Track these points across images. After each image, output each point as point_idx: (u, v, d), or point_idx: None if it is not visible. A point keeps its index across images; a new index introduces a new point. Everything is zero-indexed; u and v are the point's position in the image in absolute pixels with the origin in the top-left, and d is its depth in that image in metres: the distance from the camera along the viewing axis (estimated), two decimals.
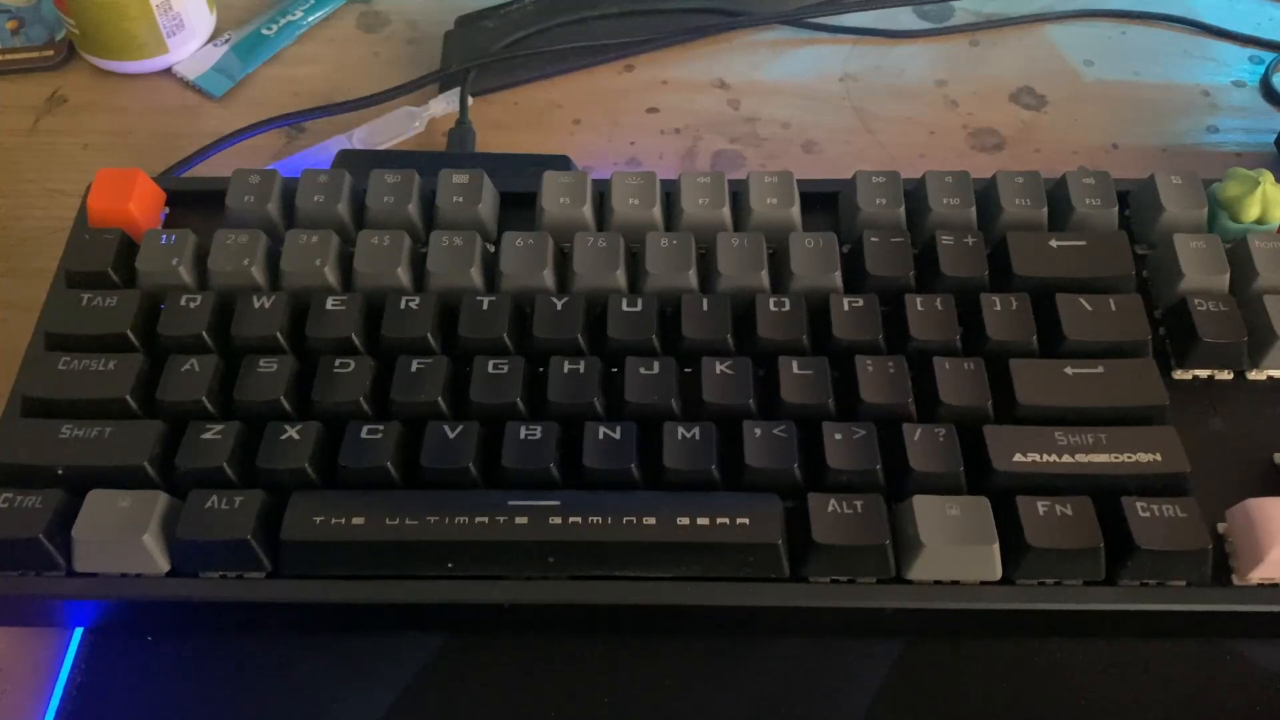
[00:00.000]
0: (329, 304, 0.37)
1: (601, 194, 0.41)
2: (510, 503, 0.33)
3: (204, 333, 0.36)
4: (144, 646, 0.32)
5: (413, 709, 0.34)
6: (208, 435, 0.34)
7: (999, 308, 0.37)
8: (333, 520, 0.33)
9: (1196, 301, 0.37)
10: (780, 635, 0.36)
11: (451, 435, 0.34)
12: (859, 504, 0.33)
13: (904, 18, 0.57)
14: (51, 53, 0.54)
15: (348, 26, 0.57)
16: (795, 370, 0.36)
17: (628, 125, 0.52)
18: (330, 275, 0.38)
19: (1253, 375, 0.38)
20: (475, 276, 0.38)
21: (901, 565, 0.33)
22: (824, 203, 0.42)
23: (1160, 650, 0.35)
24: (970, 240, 0.39)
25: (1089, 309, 0.37)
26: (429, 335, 0.37)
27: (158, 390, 0.35)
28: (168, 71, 0.54)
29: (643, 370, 0.36)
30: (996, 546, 0.32)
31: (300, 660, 0.35)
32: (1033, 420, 0.35)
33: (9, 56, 0.54)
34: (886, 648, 0.35)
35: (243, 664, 0.35)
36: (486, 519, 0.33)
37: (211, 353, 0.36)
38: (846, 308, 0.37)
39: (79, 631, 0.36)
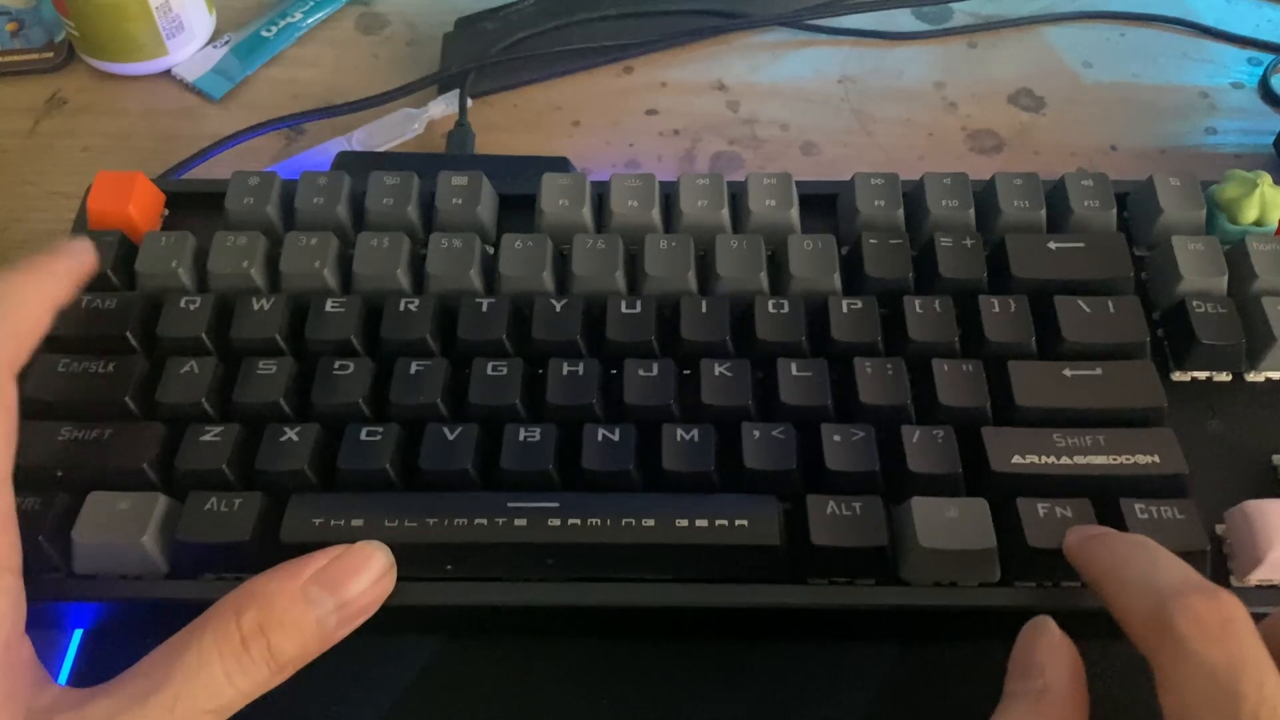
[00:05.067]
0: (328, 306, 0.37)
1: (600, 196, 0.41)
2: (509, 505, 0.33)
3: (203, 335, 0.36)
4: (144, 648, 0.32)
5: (413, 709, 0.34)
6: (207, 437, 0.34)
7: (997, 309, 0.37)
8: (332, 522, 0.32)
9: (1195, 303, 0.37)
10: (780, 636, 0.36)
11: (451, 437, 0.34)
12: (858, 506, 0.33)
13: (902, 19, 0.57)
14: (51, 54, 0.54)
15: (347, 28, 0.57)
16: (794, 372, 0.36)
17: (627, 127, 0.52)
18: (329, 277, 0.38)
19: (1251, 377, 0.38)
20: (474, 278, 0.38)
21: (900, 567, 0.33)
22: (823, 205, 0.42)
23: None
24: (969, 242, 0.39)
25: (1087, 311, 0.37)
26: (428, 337, 0.37)
27: (157, 392, 0.35)
28: (167, 73, 0.54)
29: (642, 372, 0.36)
30: (995, 548, 0.32)
31: None
32: (1031, 422, 0.35)
33: (8, 58, 0.54)
34: (886, 648, 0.36)
35: None
36: (485, 521, 0.33)
37: (211, 355, 0.36)
38: (845, 310, 0.37)
39: (78, 633, 0.36)
